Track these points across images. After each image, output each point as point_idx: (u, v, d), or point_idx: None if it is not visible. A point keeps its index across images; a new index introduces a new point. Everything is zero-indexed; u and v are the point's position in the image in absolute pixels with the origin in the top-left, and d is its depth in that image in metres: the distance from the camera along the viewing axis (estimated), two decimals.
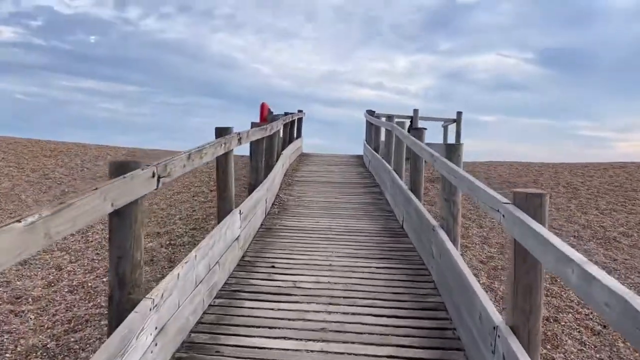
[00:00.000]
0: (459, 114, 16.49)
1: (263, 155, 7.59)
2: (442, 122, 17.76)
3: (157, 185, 3.06)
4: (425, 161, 6.09)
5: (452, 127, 17.75)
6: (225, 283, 4.62)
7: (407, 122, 16.80)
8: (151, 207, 8.69)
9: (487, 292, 4.30)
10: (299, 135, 16.08)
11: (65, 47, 55.47)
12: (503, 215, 2.88)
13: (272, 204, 8.04)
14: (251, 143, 7.03)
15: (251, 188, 7.09)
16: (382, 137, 12.17)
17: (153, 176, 2.99)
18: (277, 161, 9.33)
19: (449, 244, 4.37)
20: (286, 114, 14.71)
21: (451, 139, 17.30)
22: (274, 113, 18.69)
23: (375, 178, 10.78)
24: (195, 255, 3.81)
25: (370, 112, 15.19)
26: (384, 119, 12.11)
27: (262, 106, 18.66)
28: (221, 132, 5.13)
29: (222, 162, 5.11)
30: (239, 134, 5.47)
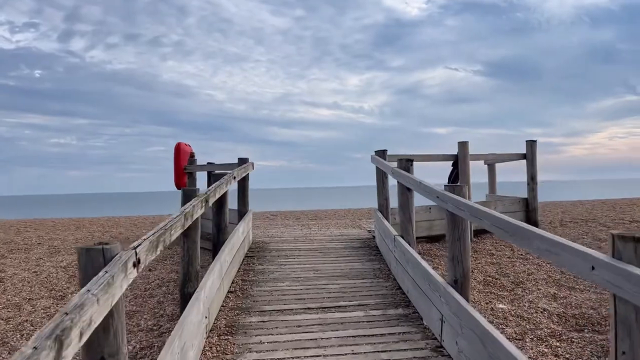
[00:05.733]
0: (532, 143, 9.49)
1: None
2: (484, 161, 10.84)
3: None
4: None
5: (502, 164, 10.99)
6: None
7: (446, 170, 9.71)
8: None
9: None
10: (243, 208, 8.35)
11: (9, 82, 46.62)
12: None
13: None
14: None
15: None
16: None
17: None
18: None
19: None
20: (209, 169, 7.04)
21: (507, 183, 10.50)
22: (197, 160, 10.98)
23: None
24: None
25: (387, 156, 7.78)
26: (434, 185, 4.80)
27: (178, 149, 10.84)
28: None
29: None
30: None
